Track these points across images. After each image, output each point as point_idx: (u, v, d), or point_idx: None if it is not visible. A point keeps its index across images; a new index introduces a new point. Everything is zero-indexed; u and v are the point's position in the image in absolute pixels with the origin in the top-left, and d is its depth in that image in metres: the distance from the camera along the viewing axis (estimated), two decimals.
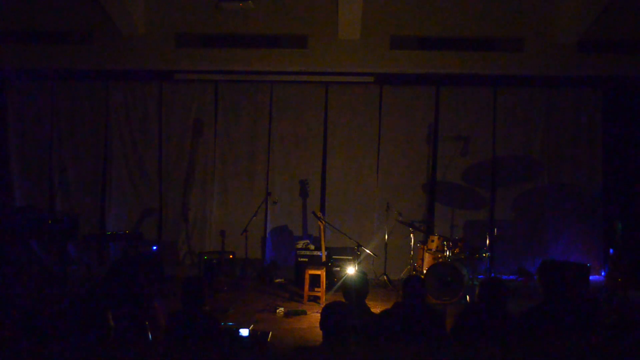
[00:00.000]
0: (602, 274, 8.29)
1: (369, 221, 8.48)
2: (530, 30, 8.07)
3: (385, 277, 7.73)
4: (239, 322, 5.42)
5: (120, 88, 8.59)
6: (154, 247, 7.91)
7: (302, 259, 7.61)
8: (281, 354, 4.75)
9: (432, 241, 7.20)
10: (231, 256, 7.59)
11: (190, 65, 8.35)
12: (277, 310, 6.34)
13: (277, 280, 7.81)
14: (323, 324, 3.22)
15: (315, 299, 6.83)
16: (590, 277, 7.21)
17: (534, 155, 8.46)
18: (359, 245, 7.37)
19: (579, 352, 3.06)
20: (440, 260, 6.98)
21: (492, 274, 7.90)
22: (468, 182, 8.46)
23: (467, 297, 6.76)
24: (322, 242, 7.11)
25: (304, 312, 6.33)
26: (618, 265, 7.35)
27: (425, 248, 7.28)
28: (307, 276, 6.79)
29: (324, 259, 7.13)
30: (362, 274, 4.28)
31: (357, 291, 4.03)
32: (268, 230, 8.54)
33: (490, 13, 8.02)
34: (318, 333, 3.25)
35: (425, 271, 6.97)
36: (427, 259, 7.20)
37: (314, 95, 8.51)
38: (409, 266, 7.79)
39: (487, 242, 7.37)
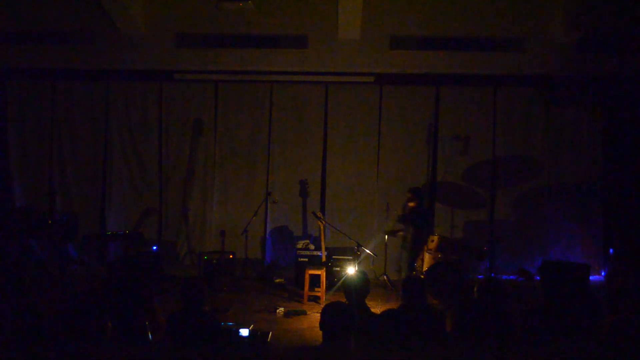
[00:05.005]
0: (602, 274, 8.29)
1: (369, 221, 8.48)
2: (530, 30, 8.07)
3: (385, 277, 7.72)
4: (239, 322, 5.41)
5: (120, 88, 8.59)
6: (154, 247, 7.91)
7: (302, 259, 7.60)
8: (281, 354, 4.75)
9: (432, 241, 7.19)
10: (231, 256, 7.58)
11: (190, 65, 8.35)
12: (277, 310, 6.34)
13: (277, 280, 7.80)
14: (323, 324, 3.21)
15: (315, 299, 6.82)
16: (590, 277, 7.21)
17: (534, 155, 8.46)
18: (359, 245, 7.37)
19: (579, 352, 3.05)
20: (441, 260, 6.98)
21: (492, 274, 7.90)
22: (468, 182, 8.46)
23: (467, 297, 6.76)
24: (322, 242, 7.10)
25: (304, 312, 6.33)
26: (618, 265, 7.36)
27: (426, 248, 7.28)
28: (307, 276, 6.79)
29: (324, 259, 7.12)
30: (362, 274, 4.28)
31: (357, 291, 4.02)
32: (268, 230, 8.53)
33: (490, 13, 8.02)
34: (318, 333, 3.24)
35: (425, 271, 6.97)
36: (427, 259, 7.20)
37: (314, 95, 8.51)
38: None
39: (487, 242, 7.36)
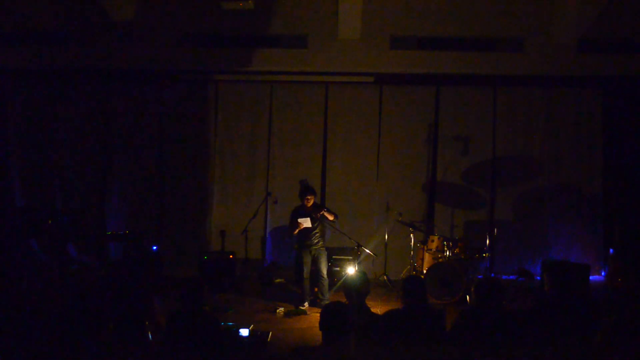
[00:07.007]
0: (602, 274, 8.30)
1: (369, 221, 8.47)
2: (530, 30, 8.07)
3: (385, 277, 7.72)
4: (239, 322, 5.42)
5: (120, 88, 8.58)
6: (154, 247, 7.90)
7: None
8: (281, 354, 4.76)
9: (432, 241, 7.19)
10: (231, 256, 7.58)
11: (190, 65, 8.35)
12: (277, 310, 6.34)
13: (277, 280, 7.80)
14: (323, 324, 3.21)
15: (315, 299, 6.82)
16: (590, 277, 7.21)
17: (534, 155, 8.46)
18: (359, 245, 7.36)
19: (579, 352, 3.06)
20: (440, 260, 6.98)
21: (492, 274, 7.90)
22: (468, 182, 8.46)
23: (467, 297, 6.76)
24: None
25: (304, 312, 6.33)
26: (618, 265, 7.36)
27: (425, 248, 7.28)
28: None
29: None
30: (362, 274, 4.28)
31: (358, 291, 4.02)
32: (268, 230, 8.53)
33: (490, 13, 8.02)
34: (318, 333, 3.24)
35: (425, 271, 6.97)
36: (427, 259, 7.20)
37: (314, 95, 8.51)
38: (409, 266, 7.79)
39: (487, 242, 7.37)
